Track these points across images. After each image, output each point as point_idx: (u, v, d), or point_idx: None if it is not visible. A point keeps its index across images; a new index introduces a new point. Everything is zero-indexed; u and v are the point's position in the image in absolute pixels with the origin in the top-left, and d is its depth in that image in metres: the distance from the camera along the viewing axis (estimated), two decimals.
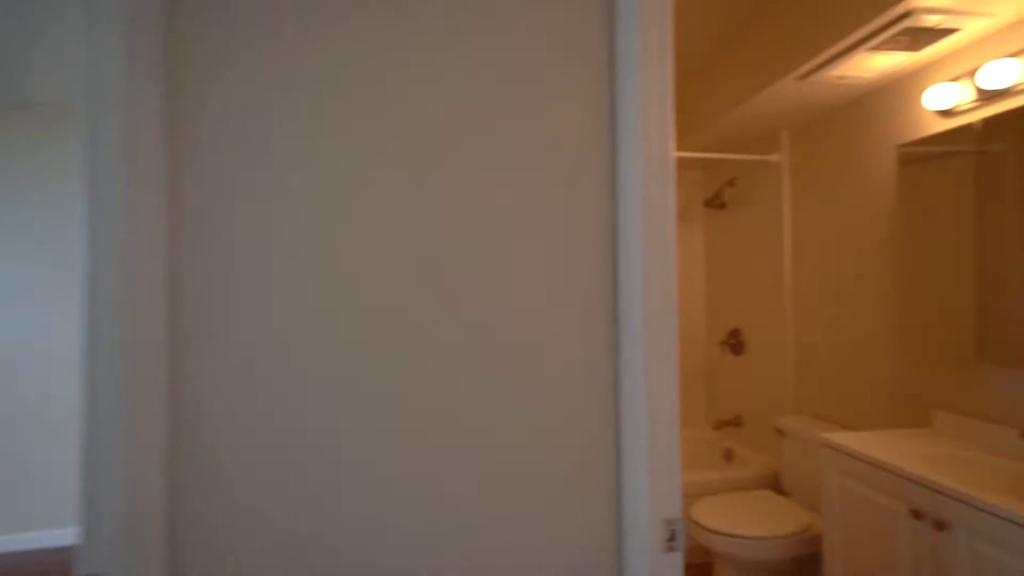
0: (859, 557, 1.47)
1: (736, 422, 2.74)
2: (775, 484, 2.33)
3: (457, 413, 0.78)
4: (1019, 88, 1.40)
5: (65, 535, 2.69)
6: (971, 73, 1.51)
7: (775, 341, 2.44)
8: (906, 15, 1.35)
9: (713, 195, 2.75)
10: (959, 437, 1.55)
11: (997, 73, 1.40)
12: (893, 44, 1.51)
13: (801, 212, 2.27)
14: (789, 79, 1.77)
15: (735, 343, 2.74)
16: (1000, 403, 1.46)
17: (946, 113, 1.60)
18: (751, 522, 1.85)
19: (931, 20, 1.38)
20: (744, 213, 2.66)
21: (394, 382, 0.76)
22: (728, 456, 2.70)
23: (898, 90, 1.76)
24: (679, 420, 0.81)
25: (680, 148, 2.36)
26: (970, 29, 1.43)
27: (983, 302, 1.45)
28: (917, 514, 1.26)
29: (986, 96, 1.47)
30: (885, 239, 1.83)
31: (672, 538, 0.79)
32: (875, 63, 1.63)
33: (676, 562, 0.78)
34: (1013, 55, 1.41)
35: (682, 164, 2.94)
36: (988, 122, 1.43)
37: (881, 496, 1.39)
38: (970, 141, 1.48)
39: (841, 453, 1.53)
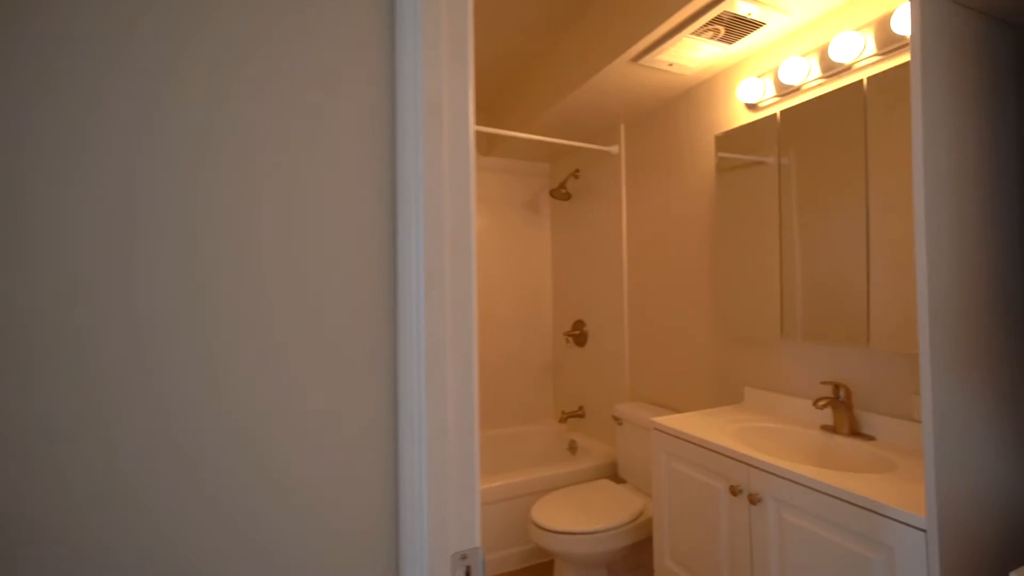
0: (685, 536, 1.46)
1: (580, 413, 2.74)
2: (614, 472, 2.35)
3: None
4: (808, 86, 1.53)
5: None
6: (774, 70, 1.63)
7: (614, 331, 2.47)
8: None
9: (558, 186, 2.72)
10: (765, 411, 1.65)
11: (791, 70, 1.52)
12: (712, 32, 1.55)
13: (637, 203, 2.33)
14: (623, 61, 1.75)
15: (579, 334, 2.74)
16: (798, 377, 1.58)
17: (753, 107, 1.71)
18: (588, 516, 1.77)
19: (742, 8, 1.42)
20: (587, 205, 2.68)
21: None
22: (572, 448, 2.68)
23: (718, 84, 1.86)
24: (476, 430, 0.61)
25: (523, 132, 2.28)
26: (774, 26, 1.52)
27: (784, 283, 1.55)
28: (734, 490, 1.26)
29: (783, 92, 1.59)
30: (707, 227, 1.92)
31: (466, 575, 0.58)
32: (698, 53, 1.68)
33: None
34: (805, 55, 1.53)
35: (528, 155, 2.88)
36: (784, 114, 1.54)
37: (704, 475, 1.38)
38: (772, 133, 1.58)
39: (668, 435, 1.51)
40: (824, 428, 1.43)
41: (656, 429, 1.56)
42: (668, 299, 2.14)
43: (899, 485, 1.04)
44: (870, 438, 1.34)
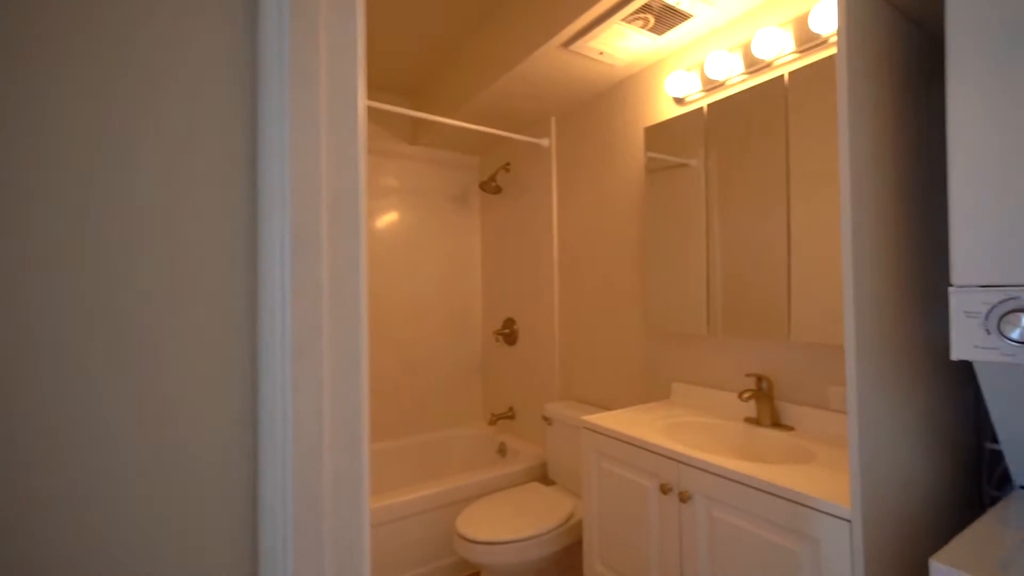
0: (615, 538, 1.40)
1: (510, 414, 2.65)
2: (544, 474, 2.27)
3: None
4: (732, 81, 1.54)
5: None
6: (700, 64, 1.63)
7: (544, 329, 2.41)
8: None
9: (488, 179, 2.62)
10: (693, 405, 1.65)
11: (717, 65, 1.52)
12: (642, 21, 1.52)
13: (568, 198, 2.28)
14: (553, 45, 1.68)
15: (509, 333, 2.65)
16: (723, 371, 1.59)
17: (680, 101, 1.71)
18: (514, 524, 1.68)
19: None
20: (518, 199, 2.60)
21: None
22: (502, 451, 2.58)
23: (647, 78, 1.84)
24: (364, 444, 0.48)
25: (451, 118, 2.15)
26: (701, 19, 1.52)
27: (711, 278, 1.55)
28: (665, 488, 1.21)
29: (709, 86, 1.60)
30: (637, 222, 1.91)
31: None
32: (628, 42, 1.64)
33: None
34: (730, 50, 1.54)
35: (457, 146, 2.76)
36: (710, 108, 1.54)
37: (634, 473, 1.33)
38: (699, 127, 1.58)
39: (598, 434, 1.45)
40: (748, 420, 1.44)
41: (586, 428, 1.50)
42: (599, 296, 2.10)
43: (820, 475, 1.03)
44: (790, 428, 1.36)
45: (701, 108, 1.57)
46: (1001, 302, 0.76)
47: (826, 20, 1.26)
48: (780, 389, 1.42)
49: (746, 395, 1.38)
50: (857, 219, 0.86)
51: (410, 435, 2.71)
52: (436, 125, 2.48)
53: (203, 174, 0.45)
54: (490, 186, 2.62)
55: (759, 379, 1.41)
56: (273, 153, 0.45)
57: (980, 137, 0.77)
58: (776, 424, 1.38)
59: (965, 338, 0.79)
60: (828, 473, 1.04)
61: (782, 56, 1.40)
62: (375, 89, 2.65)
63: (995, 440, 1.12)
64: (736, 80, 1.53)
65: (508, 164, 2.63)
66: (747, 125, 1.44)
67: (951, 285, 0.80)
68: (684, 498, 1.16)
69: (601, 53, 1.72)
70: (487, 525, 1.67)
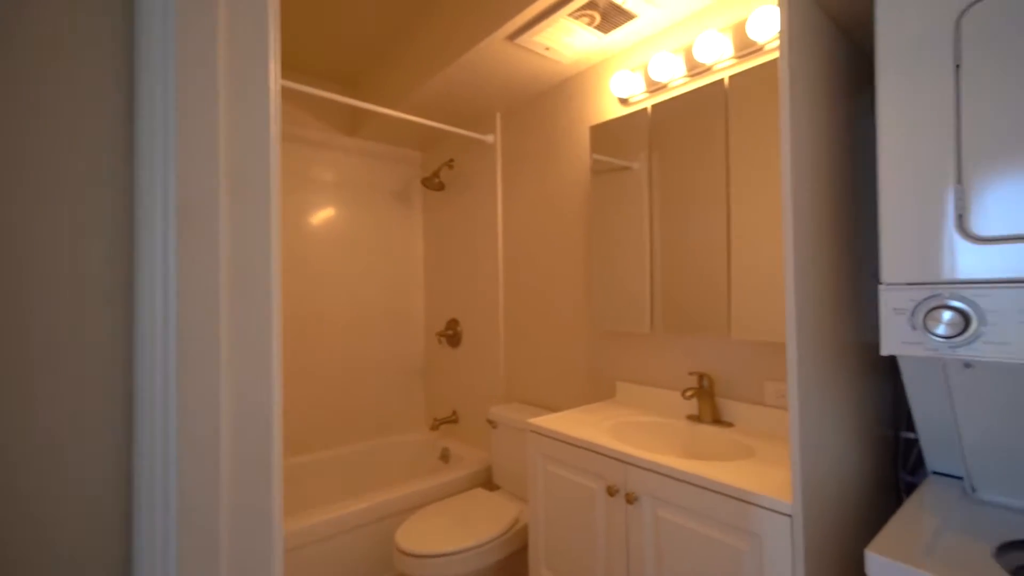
0: (561, 543, 1.37)
1: (453, 418, 2.57)
2: (489, 479, 2.22)
3: None
4: (675, 83, 1.56)
5: None
6: (644, 66, 1.65)
7: (489, 330, 2.35)
8: None
9: (431, 175, 2.53)
10: (637, 404, 1.65)
11: (660, 66, 1.54)
12: (588, 18, 1.51)
13: (513, 196, 2.24)
14: (498, 37, 1.63)
15: (452, 334, 2.57)
16: (666, 369, 1.60)
17: (625, 101, 1.71)
18: (457, 533, 1.61)
19: None
20: (462, 196, 2.53)
21: None
22: (445, 457, 2.49)
23: (593, 76, 1.84)
24: (277, 470, 0.40)
25: (395, 110, 2.04)
26: (646, 19, 1.53)
27: (654, 277, 1.56)
28: (611, 490, 1.19)
29: (653, 87, 1.61)
30: (583, 221, 1.90)
31: None
32: (574, 39, 1.63)
33: None
34: (673, 51, 1.56)
35: (399, 140, 2.64)
36: (654, 108, 1.56)
37: (581, 476, 1.31)
38: (643, 127, 1.59)
39: (544, 437, 1.41)
40: (690, 418, 1.46)
41: (532, 431, 1.46)
42: (544, 296, 2.08)
43: (760, 470, 1.05)
44: (730, 424, 1.39)
45: (645, 109, 1.58)
46: (926, 299, 0.79)
47: (762, 28, 1.30)
48: (720, 386, 1.45)
49: (688, 393, 1.40)
50: (798, 221, 0.88)
51: (350, 443, 2.56)
52: (376, 117, 2.36)
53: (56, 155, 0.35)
54: (433, 182, 2.53)
55: (701, 377, 1.44)
56: (154, 135, 0.36)
57: (903, 144, 0.80)
58: (717, 421, 1.41)
59: (894, 334, 0.82)
60: (768, 468, 1.06)
61: (722, 61, 1.43)
62: (311, 76, 2.49)
63: (910, 429, 1.20)
64: (679, 82, 1.55)
65: (452, 160, 2.56)
66: (689, 127, 1.46)
67: (881, 283, 0.83)
68: (631, 499, 1.15)
69: (547, 48, 1.69)
70: (429, 536, 1.59)
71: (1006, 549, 0.80)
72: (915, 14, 0.79)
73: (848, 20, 1.01)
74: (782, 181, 0.88)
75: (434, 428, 2.57)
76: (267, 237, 0.41)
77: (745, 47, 1.38)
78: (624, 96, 1.69)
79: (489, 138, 2.30)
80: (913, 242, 0.79)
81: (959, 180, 0.75)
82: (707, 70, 1.47)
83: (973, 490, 0.94)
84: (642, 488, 1.14)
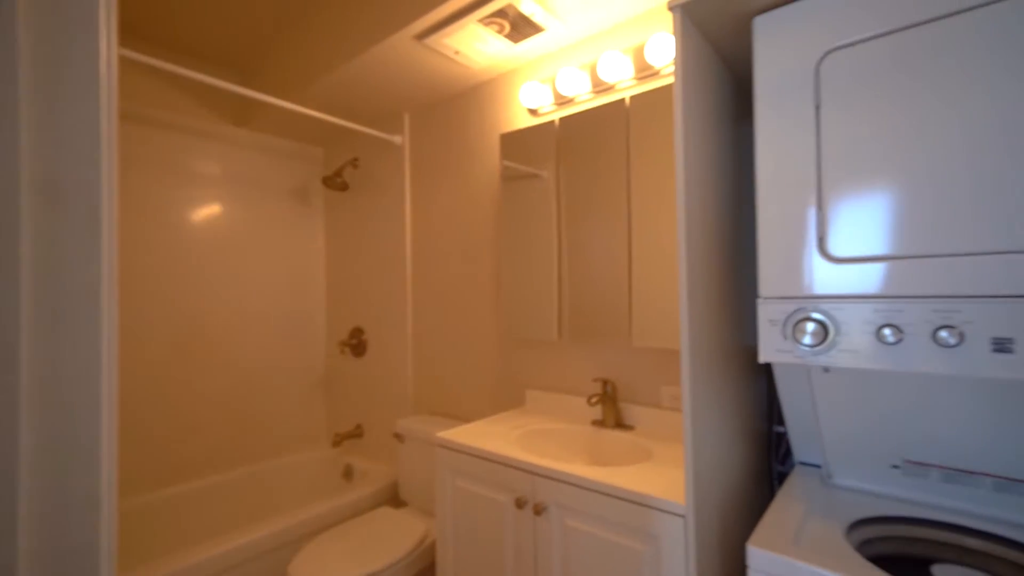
0: (471, 559, 1.34)
1: (358, 433, 2.43)
2: (395, 495, 2.12)
3: None
4: (581, 98, 1.61)
5: None
6: (552, 79, 1.68)
7: (396, 338, 2.26)
8: None
9: (333, 173, 2.37)
10: (546, 412, 1.68)
11: (567, 81, 1.58)
12: (498, 26, 1.51)
13: (422, 200, 2.17)
14: (406, 36, 1.57)
15: (356, 343, 2.43)
16: (573, 376, 1.64)
17: (534, 112, 1.74)
18: (359, 559, 1.51)
19: (526, 7, 1.41)
20: (368, 198, 2.40)
21: None
22: (348, 474, 2.35)
23: (503, 85, 1.84)
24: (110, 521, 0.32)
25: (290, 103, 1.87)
26: (554, 34, 1.56)
27: (562, 285, 1.59)
28: (520, 503, 1.19)
29: (561, 100, 1.65)
30: (492, 228, 1.89)
31: None
32: (484, 45, 1.62)
33: None
34: (580, 67, 1.61)
35: (298, 134, 2.45)
36: (562, 121, 1.60)
37: (490, 490, 1.29)
38: (551, 139, 1.62)
39: (453, 451, 1.37)
40: (595, 423, 1.50)
41: (440, 446, 1.41)
42: (454, 303, 2.04)
43: (657, 472, 1.11)
44: (631, 428, 1.45)
45: (553, 121, 1.61)
46: (794, 311, 0.88)
47: (658, 53, 1.38)
48: (623, 391, 1.52)
49: (593, 400, 1.45)
50: (690, 236, 0.94)
51: (241, 466, 2.31)
52: (270, 108, 2.16)
53: None
54: (335, 182, 2.38)
55: (605, 383, 1.49)
56: None
57: (774, 172, 0.89)
58: (620, 425, 1.47)
59: (769, 343, 0.90)
60: (665, 469, 1.12)
61: (624, 81, 1.50)
62: (195, 59, 2.21)
63: (782, 424, 1.34)
64: (585, 98, 1.60)
65: (357, 159, 2.42)
66: (595, 141, 1.51)
67: (759, 297, 0.91)
68: (538, 510, 1.15)
69: (457, 53, 1.66)
70: (330, 564, 1.47)
71: (855, 527, 0.92)
72: (784, 58, 0.88)
73: (734, 57, 1.10)
74: (676, 198, 0.93)
75: (336, 444, 2.41)
76: (96, 252, 0.33)
77: (644, 70, 1.46)
78: (533, 107, 1.71)
79: (397, 139, 2.21)
80: (784, 260, 0.88)
81: (819, 207, 0.85)
82: (611, 88, 1.54)
83: (830, 477, 1.07)
84: (550, 498, 1.15)
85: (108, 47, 0.35)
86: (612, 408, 1.47)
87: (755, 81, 0.90)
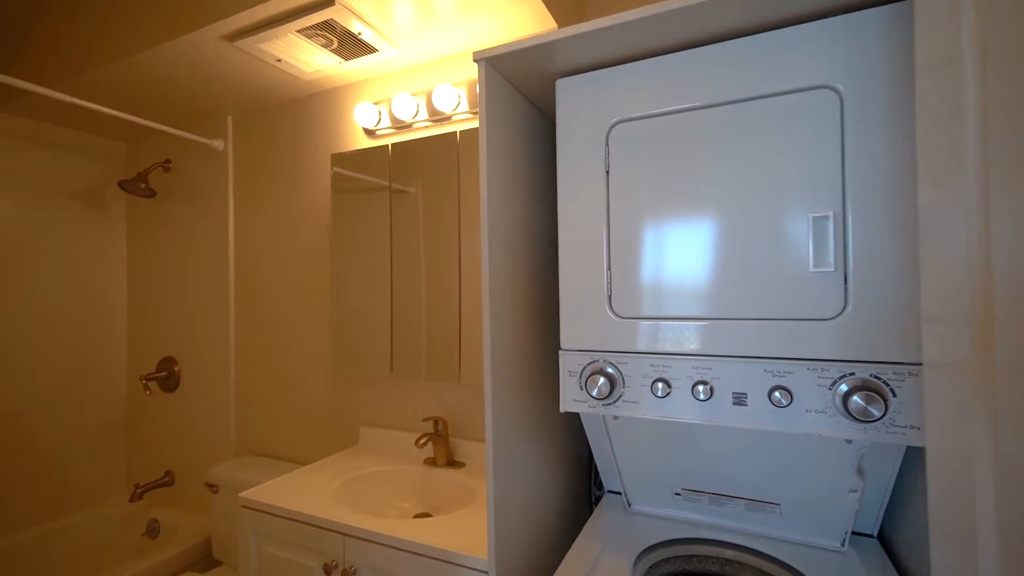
0: None
1: (166, 481, 2.08)
2: (208, 554, 1.84)
3: None
4: (417, 124, 1.57)
5: None
6: (389, 101, 1.60)
7: (216, 371, 1.97)
8: (328, 4, 1.22)
9: (135, 176, 1.99)
10: (378, 451, 1.58)
11: (402, 106, 1.52)
12: (324, 40, 1.39)
13: (248, 214, 1.93)
14: (212, 36, 1.37)
15: (167, 376, 2.08)
16: (406, 413, 1.58)
17: (371, 133, 1.64)
18: None
19: (355, 25, 1.31)
20: (183, 208, 2.07)
21: None
22: (153, 531, 1.99)
23: (337, 100, 1.71)
24: None
25: (67, 89, 1.50)
26: (387, 55, 1.48)
27: (395, 320, 1.52)
28: (328, 568, 1.09)
29: (397, 124, 1.59)
30: (326, 255, 1.74)
31: None
32: (311, 57, 1.48)
33: None
34: (415, 94, 1.56)
35: (88, 125, 2.02)
36: (396, 148, 1.53)
37: (297, 554, 1.16)
38: (385, 164, 1.54)
39: (258, 512, 1.22)
40: (427, 461, 1.46)
41: (243, 507, 1.24)
42: (284, 331, 1.84)
43: (475, 519, 1.10)
44: (462, 465, 1.44)
45: (387, 146, 1.54)
46: (589, 364, 0.93)
47: None
48: (454, 427, 1.50)
49: (422, 441, 1.40)
50: (494, 286, 0.93)
51: (15, 532, 1.81)
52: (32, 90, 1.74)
53: None
54: (137, 187, 2.00)
55: (436, 421, 1.46)
56: None
57: (574, 231, 0.92)
58: (451, 463, 1.45)
59: (568, 393, 0.94)
60: (480, 516, 1.11)
61: (457, 112, 1.49)
62: None
63: None
64: (421, 124, 1.56)
65: (168, 161, 2.08)
66: (428, 169, 1.47)
67: (560, 348, 0.94)
68: (348, 574, 1.06)
69: (279, 60, 1.50)
70: None
71: (644, 554, 1.00)
72: (581, 122, 0.92)
73: (548, 108, 1.14)
74: (481, 243, 0.92)
75: (135, 498, 2.02)
76: None
77: (474, 105, 1.46)
78: (370, 127, 1.62)
79: (218, 143, 1.94)
80: (580, 315, 0.92)
81: (609, 267, 0.90)
82: (447, 119, 1.51)
83: (629, 504, 1.16)
84: (361, 560, 1.07)
85: None
86: (443, 446, 1.44)
87: (558, 140, 0.93)
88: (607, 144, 0.91)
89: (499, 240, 0.95)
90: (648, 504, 1.14)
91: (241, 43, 1.39)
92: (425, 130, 1.55)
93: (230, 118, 1.95)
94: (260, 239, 1.90)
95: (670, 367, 0.86)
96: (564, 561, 0.94)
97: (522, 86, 1.04)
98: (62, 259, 2.02)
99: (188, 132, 1.89)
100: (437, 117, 1.52)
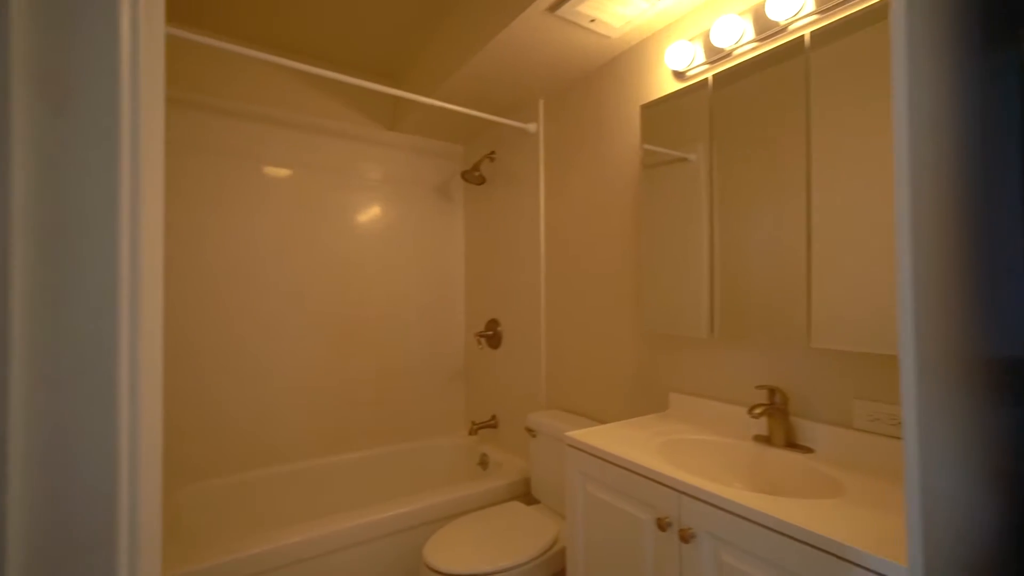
0: (604, 575, 1.20)
1: (492, 423, 2.45)
2: (527, 491, 2.07)
3: None
4: (740, 50, 1.35)
5: None
6: (705, 33, 1.44)
7: (530, 331, 2.21)
8: None
9: (471, 167, 2.41)
10: (693, 420, 1.45)
11: (724, 31, 1.33)
12: None
13: (556, 188, 2.08)
14: (537, 10, 1.48)
15: (492, 335, 2.45)
16: (729, 381, 1.39)
17: (681, 75, 1.51)
18: (490, 552, 1.47)
19: None
20: (503, 190, 2.40)
21: None
22: (484, 463, 2.38)
23: (644, 52, 1.65)
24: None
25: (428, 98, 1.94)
26: None
27: (716, 275, 1.36)
28: (662, 524, 1.01)
29: (714, 57, 1.41)
30: (632, 214, 1.71)
31: None
32: (623, 8, 1.45)
33: None
34: (741, 14, 1.35)
35: (441, 133, 2.55)
36: (717, 79, 1.35)
37: (626, 503, 1.13)
38: (703, 103, 1.39)
39: (584, 453, 1.25)
40: (758, 439, 1.24)
41: (570, 446, 1.30)
42: (589, 296, 1.91)
43: (854, 514, 0.84)
44: (808, 450, 1.16)
45: (706, 80, 1.38)
46: None
47: None
48: (796, 403, 1.23)
49: (757, 411, 1.19)
50: (916, 204, 0.67)
51: (386, 444, 2.50)
52: (415, 109, 2.28)
53: None
54: (473, 176, 2.42)
55: (772, 391, 1.22)
56: None
57: None
58: (792, 444, 1.19)
59: None
60: (864, 512, 0.85)
61: (799, 18, 1.21)
62: (348, 69, 2.45)
63: None
64: (746, 47, 1.34)
65: (493, 152, 2.44)
66: (759, 100, 1.24)
67: None
68: (686, 537, 0.96)
69: (593, 20, 1.52)
70: (460, 553, 1.47)
71: None
72: None
73: None
74: (895, 155, 0.67)
75: (472, 433, 2.46)
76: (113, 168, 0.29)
77: (823, 2, 1.15)
78: (681, 69, 1.49)
79: (531, 127, 2.16)
80: None
81: None
82: (782, 30, 1.25)
83: None
84: (700, 524, 0.96)
85: (127, 39, 0.30)
86: (781, 422, 1.19)
87: None
88: None
89: (926, 145, 0.68)
90: None
91: (561, 10, 1.46)
92: (751, 52, 1.32)
93: (541, 102, 2.14)
94: (568, 209, 2.01)
95: None
96: None
97: None
98: (423, 241, 2.62)
99: (506, 119, 2.16)
100: (769, 32, 1.28)
